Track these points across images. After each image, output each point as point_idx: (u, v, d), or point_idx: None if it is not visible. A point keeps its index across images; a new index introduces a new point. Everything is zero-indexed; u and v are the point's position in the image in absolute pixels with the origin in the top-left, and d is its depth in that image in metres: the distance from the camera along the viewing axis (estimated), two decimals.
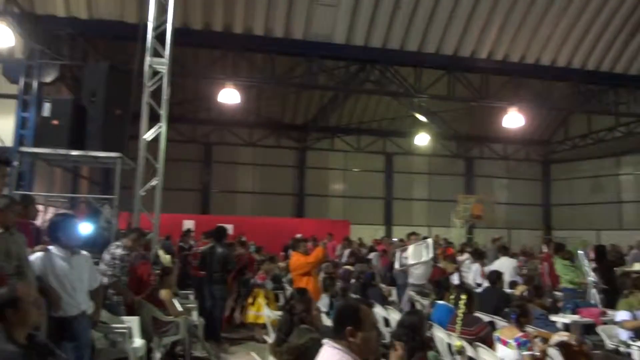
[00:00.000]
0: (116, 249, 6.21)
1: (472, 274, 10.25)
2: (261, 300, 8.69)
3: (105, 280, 5.89)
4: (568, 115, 21.66)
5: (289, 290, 9.44)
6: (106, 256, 6.17)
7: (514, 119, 14.55)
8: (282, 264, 11.72)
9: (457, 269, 9.71)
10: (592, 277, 8.56)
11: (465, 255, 11.42)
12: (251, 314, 8.93)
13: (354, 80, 13.96)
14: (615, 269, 9.70)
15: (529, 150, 23.82)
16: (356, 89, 15.00)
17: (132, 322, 5.79)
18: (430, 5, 12.55)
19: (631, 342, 5.66)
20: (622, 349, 5.73)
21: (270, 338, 5.68)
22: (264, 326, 8.09)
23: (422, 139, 19.68)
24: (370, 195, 22.31)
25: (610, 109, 15.46)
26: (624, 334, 5.91)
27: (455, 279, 8.72)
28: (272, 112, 20.40)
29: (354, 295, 7.73)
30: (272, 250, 13.59)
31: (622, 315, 6.02)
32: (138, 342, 5.72)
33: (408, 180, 22.93)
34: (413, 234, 11.32)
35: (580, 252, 9.04)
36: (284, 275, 10.73)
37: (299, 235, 9.93)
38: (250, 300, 9.03)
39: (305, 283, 7.42)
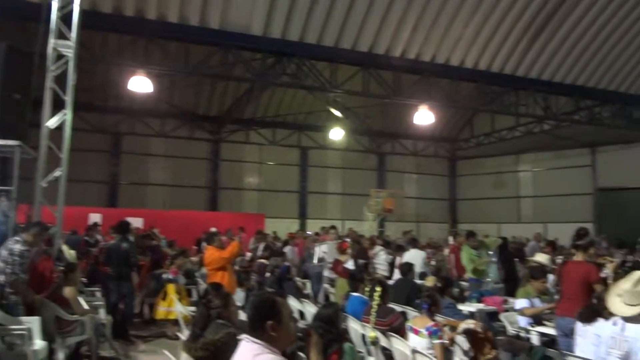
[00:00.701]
0: (15, 245, 5.77)
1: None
2: (173, 296, 8.44)
3: (2, 278, 5.46)
4: (473, 114, 22.78)
5: (202, 285, 9.24)
6: (3, 252, 5.72)
7: (424, 117, 15.05)
8: (194, 259, 11.46)
9: (353, 257, 9.96)
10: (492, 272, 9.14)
11: (378, 248, 11.71)
12: (162, 310, 8.66)
13: (270, 72, 13.87)
14: (515, 259, 10.31)
15: (437, 147, 24.86)
16: (272, 81, 14.89)
17: (32, 323, 5.40)
18: (347, 1, 12.69)
19: (530, 328, 6.05)
20: (522, 334, 6.12)
21: (183, 334, 5.53)
22: (175, 322, 7.87)
23: (337, 134, 19.96)
24: (285, 189, 22.33)
25: (511, 109, 16.40)
26: (523, 321, 6.31)
27: (349, 265, 9.01)
28: (186, 103, 19.85)
29: (269, 289, 7.70)
30: (184, 244, 13.26)
31: (521, 303, 6.41)
32: (39, 344, 5.36)
33: (322, 174, 23.19)
34: (332, 227, 11.45)
35: (490, 252, 9.56)
36: (197, 270, 10.49)
37: (214, 229, 9.72)
38: (161, 295, 8.76)
39: (220, 278, 7.28)
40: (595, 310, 4.08)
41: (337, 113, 18.91)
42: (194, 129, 21.05)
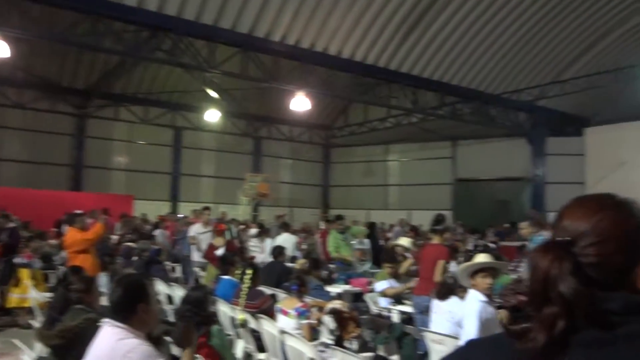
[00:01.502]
0: None
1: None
2: (27, 282, 7.81)
3: None
4: (348, 104, 23.49)
5: (61, 269, 8.66)
6: None
7: (301, 103, 15.23)
8: (54, 241, 10.69)
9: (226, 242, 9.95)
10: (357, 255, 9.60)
11: (254, 231, 11.74)
12: (14, 298, 7.99)
13: (143, 47, 13.20)
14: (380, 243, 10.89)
15: (312, 133, 25.30)
16: (146, 56, 14.19)
17: None
18: None
19: (391, 307, 6.44)
20: (384, 313, 6.49)
21: (38, 322, 5.16)
22: (29, 311, 7.30)
23: (213, 115, 19.55)
24: (156, 170, 21.48)
25: (383, 101, 17.16)
26: (384, 301, 6.70)
27: (221, 252, 9.01)
28: (48, 72, 18.23)
29: (134, 273, 7.41)
30: (42, 226, 12.31)
31: (381, 285, 6.77)
32: None
33: (196, 156, 22.63)
34: (206, 208, 11.25)
35: (353, 242, 9.98)
36: (56, 253, 9.79)
37: (79, 211, 9.12)
38: (13, 282, 8.07)
39: (82, 261, 6.85)
40: (449, 289, 4.44)
41: (214, 94, 18.53)
42: (57, 102, 19.43)
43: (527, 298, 1.10)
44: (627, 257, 1.08)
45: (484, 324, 3.86)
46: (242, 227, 14.19)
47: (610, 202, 1.14)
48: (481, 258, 4.05)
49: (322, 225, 16.05)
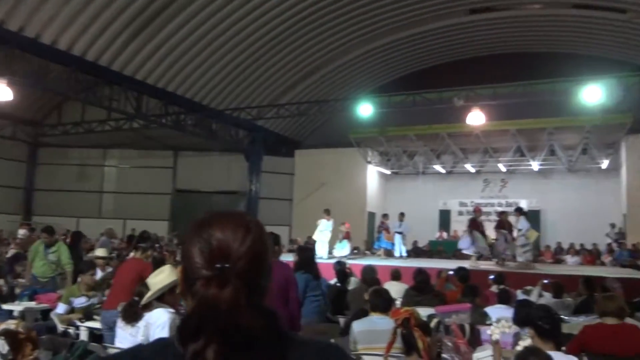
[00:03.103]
0: None
1: None
2: None
3: None
4: (63, 100, 21.36)
5: None
6: None
7: (0, 92, 13.34)
8: None
9: None
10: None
11: None
12: None
13: None
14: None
15: (16, 129, 22.16)
16: None
17: None
18: None
19: (79, 324, 5.92)
20: (71, 330, 5.94)
21: None
22: None
23: None
24: None
25: (104, 102, 16.07)
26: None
27: None
28: None
29: None
30: None
31: (61, 308, 6.12)
32: None
33: None
34: None
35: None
36: None
37: None
38: None
39: None
40: (134, 307, 4.32)
41: None
42: None
43: (190, 332, 1.00)
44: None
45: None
46: None
47: (253, 222, 1.11)
48: (167, 273, 3.98)
49: (21, 234, 14.36)
